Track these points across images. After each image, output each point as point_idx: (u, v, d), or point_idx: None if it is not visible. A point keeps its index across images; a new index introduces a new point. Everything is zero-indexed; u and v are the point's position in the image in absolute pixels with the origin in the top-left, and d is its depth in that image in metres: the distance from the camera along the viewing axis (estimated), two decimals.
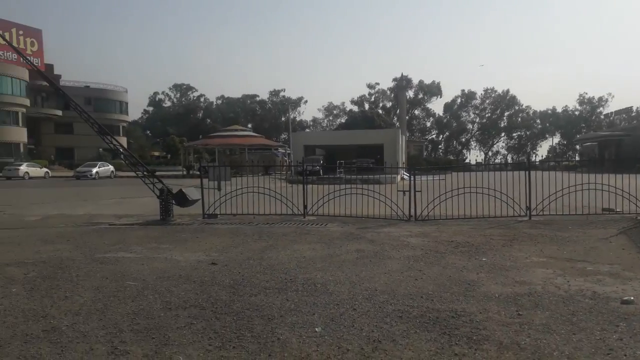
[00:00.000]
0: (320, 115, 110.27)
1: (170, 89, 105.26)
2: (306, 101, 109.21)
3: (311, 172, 17.34)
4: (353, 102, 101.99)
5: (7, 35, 51.69)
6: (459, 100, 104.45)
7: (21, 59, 54.74)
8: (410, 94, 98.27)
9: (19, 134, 57.78)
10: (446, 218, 11.73)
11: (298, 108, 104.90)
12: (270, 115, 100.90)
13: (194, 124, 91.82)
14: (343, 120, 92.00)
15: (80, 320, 4.63)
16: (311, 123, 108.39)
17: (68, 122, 65.37)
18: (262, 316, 4.74)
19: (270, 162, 42.91)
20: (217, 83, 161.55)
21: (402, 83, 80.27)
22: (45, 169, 44.46)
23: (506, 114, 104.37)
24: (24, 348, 3.96)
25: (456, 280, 6.07)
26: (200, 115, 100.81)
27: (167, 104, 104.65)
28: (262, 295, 5.47)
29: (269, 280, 6.11)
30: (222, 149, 53.17)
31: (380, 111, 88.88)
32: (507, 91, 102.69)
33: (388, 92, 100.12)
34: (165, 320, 4.63)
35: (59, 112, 65.26)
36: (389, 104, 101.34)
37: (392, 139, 43.36)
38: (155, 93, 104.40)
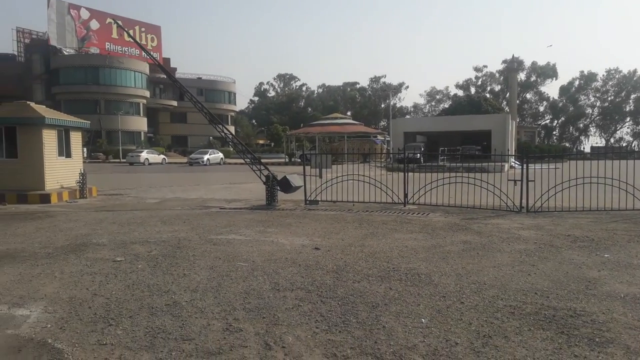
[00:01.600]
0: (421, 101, 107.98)
1: (274, 79, 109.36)
2: (407, 87, 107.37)
3: (411, 160, 17.00)
4: (458, 86, 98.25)
5: (131, 32, 56.75)
6: (576, 83, 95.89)
7: (143, 54, 59.37)
8: (522, 76, 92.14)
9: (140, 123, 63.61)
10: (562, 210, 10.90)
11: (399, 94, 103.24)
12: (370, 102, 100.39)
13: (295, 113, 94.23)
14: (446, 106, 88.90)
15: (198, 297, 4.98)
16: (412, 109, 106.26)
17: (182, 112, 70.82)
18: (366, 303, 4.75)
19: (369, 150, 42.83)
20: (318, 72, 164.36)
21: (513, 65, 75.20)
22: (162, 156, 48.31)
23: (632, 96, 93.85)
24: (150, 320, 4.35)
25: (574, 277, 5.62)
26: (302, 103, 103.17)
27: (272, 93, 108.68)
28: (365, 282, 5.49)
29: (371, 268, 6.11)
30: (322, 136, 54.04)
31: (487, 95, 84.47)
32: (634, 71, 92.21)
33: (497, 75, 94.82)
34: (274, 301, 4.83)
35: (175, 103, 70.80)
36: (497, 88, 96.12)
37: (500, 125, 41.07)
38: (261, 83, 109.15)
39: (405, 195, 12.56)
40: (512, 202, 11.28)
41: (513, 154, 34.43)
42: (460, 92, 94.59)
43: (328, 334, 3.99)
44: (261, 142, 77.21)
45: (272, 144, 70.54)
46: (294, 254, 6.98)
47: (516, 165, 30.88)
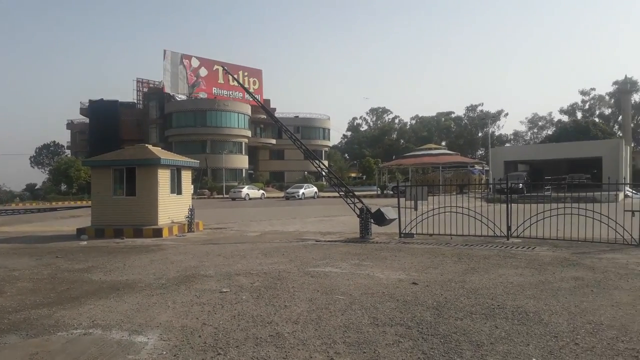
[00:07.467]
0: (522, 128, 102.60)
1: (367, 113, 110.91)
2: (506, 114, 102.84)
3: (513, 190, 16.18)
4: (562, 111, 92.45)
5: (236, 76, 61.04)
6: None
7: (246, 96, 63.06)
8: (637, 98, 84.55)
9: (242, 161, 67.30)
10: None
11: (497, 122, 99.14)
12: (466, 131, 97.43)
13: (388, 145, 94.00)
14: (550, 132, 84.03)
15: (299, 329, 5.10)
16: (512, 137, 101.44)
17: (280, 149, 74.23)
18: (470, 341, 4.57)
19: (466, 180, 41.43)
20: (411, 104, 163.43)
21: (626, 86, 69.19)
22: (261, 191, 50.47)
23: None
24: (255, 350, 4.52)
25: None
26: (395, 136, 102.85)
27: (364, 127, 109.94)
28: (468, 319, 5.28)
29: (474, 305, 5.87)
30: (415, 168, 53.29)
31: (596, 119, 78.50)
32: None
33: (607, 97, 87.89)
34: (373, 336, 4.81)
35: (274, 141, 74.38)
36: (607, 112, 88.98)
37: (612, 151, 37.97)
38: (354, 118, 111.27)
39: (509, 228, 11.96)
40: (629, 234, 10.29)
41: (629, 182, 31.42)
42: (565, 118, 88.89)
43: None
44: (353, 175, 77.94)
45: (364, 176, 70.94)
46: (391, 288, 6.91)
47: (632, 194, 28.12)
